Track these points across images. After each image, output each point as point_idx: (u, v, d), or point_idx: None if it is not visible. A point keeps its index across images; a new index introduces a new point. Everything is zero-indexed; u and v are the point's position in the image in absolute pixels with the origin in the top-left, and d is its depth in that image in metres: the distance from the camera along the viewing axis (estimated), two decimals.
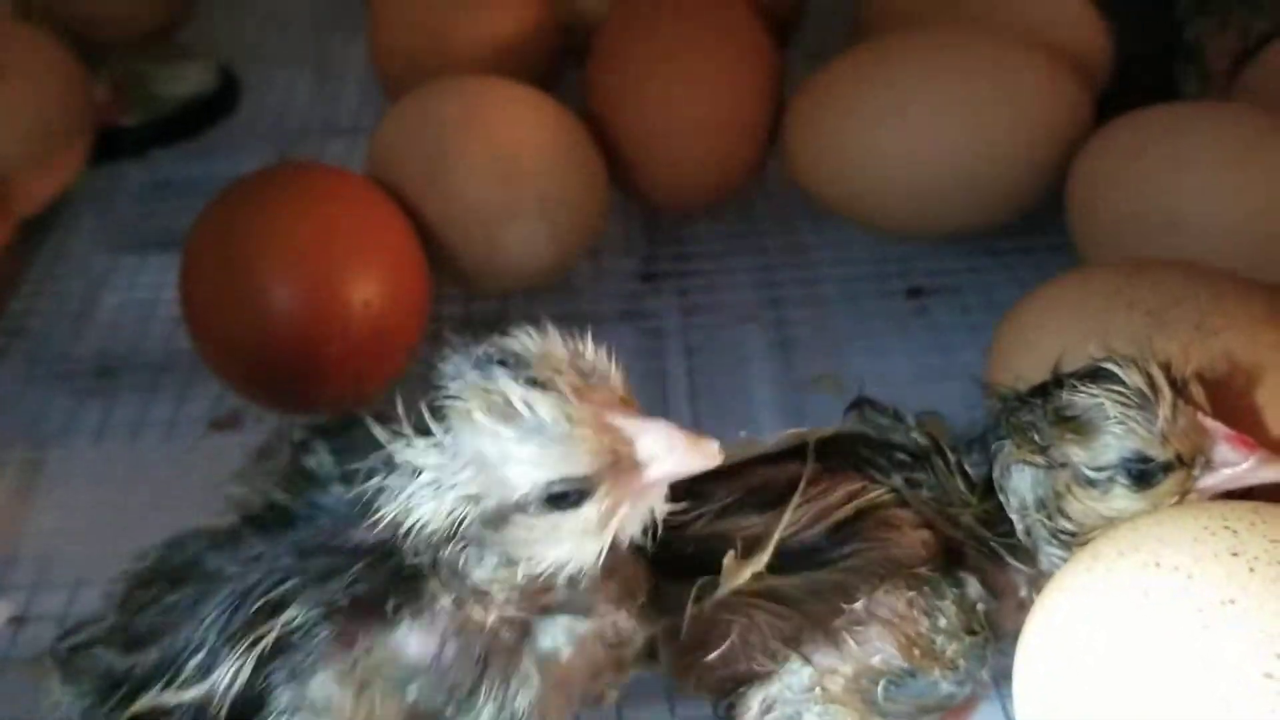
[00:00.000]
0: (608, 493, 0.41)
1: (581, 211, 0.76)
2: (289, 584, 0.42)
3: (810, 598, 0.49)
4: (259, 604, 0.42)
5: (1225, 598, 0.42)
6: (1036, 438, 0.50)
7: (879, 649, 0.49)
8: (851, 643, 0.49)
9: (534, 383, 0.39)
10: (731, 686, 0.51)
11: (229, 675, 0.41)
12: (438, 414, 0.40)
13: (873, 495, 0.50)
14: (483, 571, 0.42)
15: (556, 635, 0.44)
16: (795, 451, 0.52)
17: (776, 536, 0.47)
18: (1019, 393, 0.51)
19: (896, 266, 0.86)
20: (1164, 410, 0.48)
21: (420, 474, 0.40)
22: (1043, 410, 0.50)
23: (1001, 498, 0.51)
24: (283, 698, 0.41)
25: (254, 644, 0.41)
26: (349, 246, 0.66)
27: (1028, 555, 0.51)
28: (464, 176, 0.73)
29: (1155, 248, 0.68)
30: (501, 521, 0.41)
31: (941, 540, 0.51)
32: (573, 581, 0.42)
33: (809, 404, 0.75)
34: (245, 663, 0.41)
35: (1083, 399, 0.49)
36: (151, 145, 1.00)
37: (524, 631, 0.43)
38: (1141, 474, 0.48)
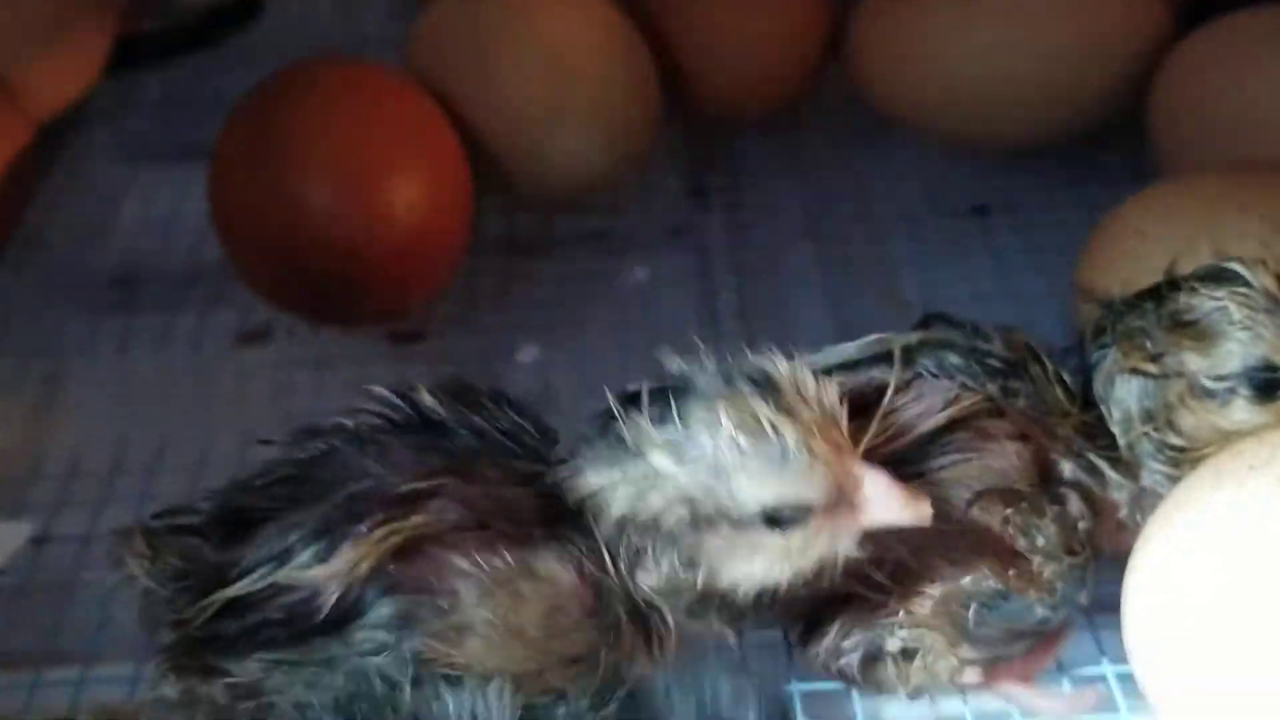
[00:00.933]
0: (818, 525, 0.41)
1: (631, 117, 0.72)
2: (432, 483, 0.40)
3: None
4: (398, 500, 0.40)
5: None
6: (1148, 344, 0.46)
7: (972, 569, 0.46)
8: (942, 562, 0.46)
9: (782, 408, 0.40)
10: (809, 609, 0.47)
11: (347, 565, 0.39)
12: (674, 408, 0.40)
13: (967, 404, 0.46)
14: (660, 567, 0.41)
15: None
16: (878, 359, 0.48)
17: (862, 448, 0.44)
18: (1127, 297, 0.48)
19: (955, 184, 0.82)
20: None
21: (642, 459, 0.40)
22: (1155, 315, 0.46)
23: (1103, 409, 0.47)
24: (383, 609, 0.39)
25: (385, 538, 0.39)
26: (389, 144, 0.63)
27: (1129, 471, 0.47)
28: (510, 78, 0.70)
29: (1247, 157, 0.64)
30: (708, 528, 0.41)
31: (1039, 454, 0.47)
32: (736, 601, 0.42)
33: (865, 324, 0.71)
34: (370, 557, 0.39)
35: (1203, 302, 0.45)
36: (171, 53, 0.96)
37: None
38: (1267, 384, 0.44)
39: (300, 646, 0.39)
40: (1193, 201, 0.55)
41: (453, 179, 0.65)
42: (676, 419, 0.40)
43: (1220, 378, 0.45)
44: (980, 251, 0.77)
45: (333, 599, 0.39)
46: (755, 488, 0.40)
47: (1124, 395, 0.47)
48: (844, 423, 0.41)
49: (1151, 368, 0.46)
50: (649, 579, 0.42)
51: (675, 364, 0.42)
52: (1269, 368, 0.44)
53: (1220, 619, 0.40)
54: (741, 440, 0.39)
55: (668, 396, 0.41)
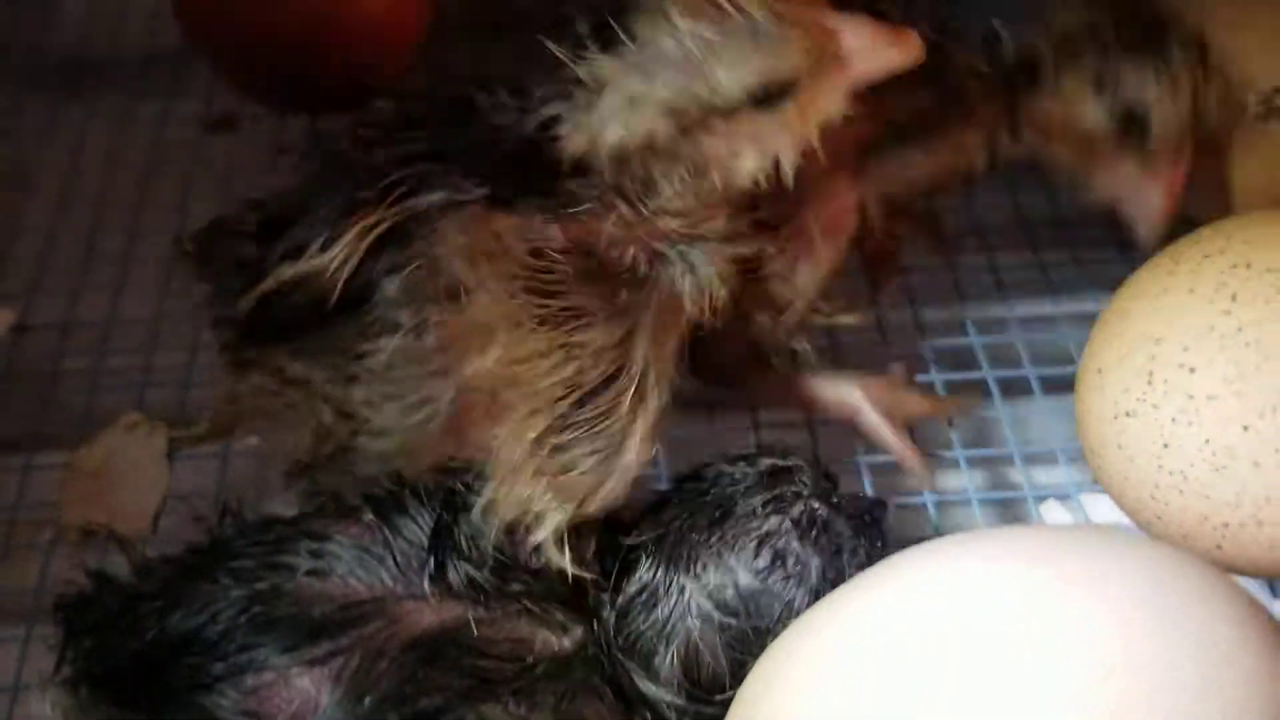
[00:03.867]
0: (808, 90, 0.39)
1: None
2: (422, 169, 0.40)
3: None
4: (387, 187, 0.40)
5: None
6: None
7: None
8: None
9: None
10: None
11: (342, 251, 0.39)
12: (620, 25, 0.38)
13: None
14: (673, 186, 0.40)
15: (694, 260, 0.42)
16: None
17: None
18: None
19: None
20: None
21: (607, 90, 0.38)
22: None
23: None
24: (389, 287, 0.40)
25: (380, 220, 0.39)
26: None
27: None
28: None
29: None
30: (701, 129, 0.39)
31: None
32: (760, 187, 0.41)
33: None
34: (360, 240, 0.39)
35: None
36: None
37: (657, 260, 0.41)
38: None
39: (322, 332, 0.41)
40: None
41: None
42: (627, 39, 0.38)
43: None
44: None
45: (342, 281, 0.39)
46: (735, 72, 0.38)
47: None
48: None
49: None
50: (669, 203, 0.40)
51: None
52: None
53: (1176, 389, 0.42)
54: (705, 31, 0.38)
55: (606, 21, 0.39)
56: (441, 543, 0.38)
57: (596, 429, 0.39)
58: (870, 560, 0.39)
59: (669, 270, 0.41)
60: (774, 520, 0.39)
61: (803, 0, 0.39)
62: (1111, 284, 0.47)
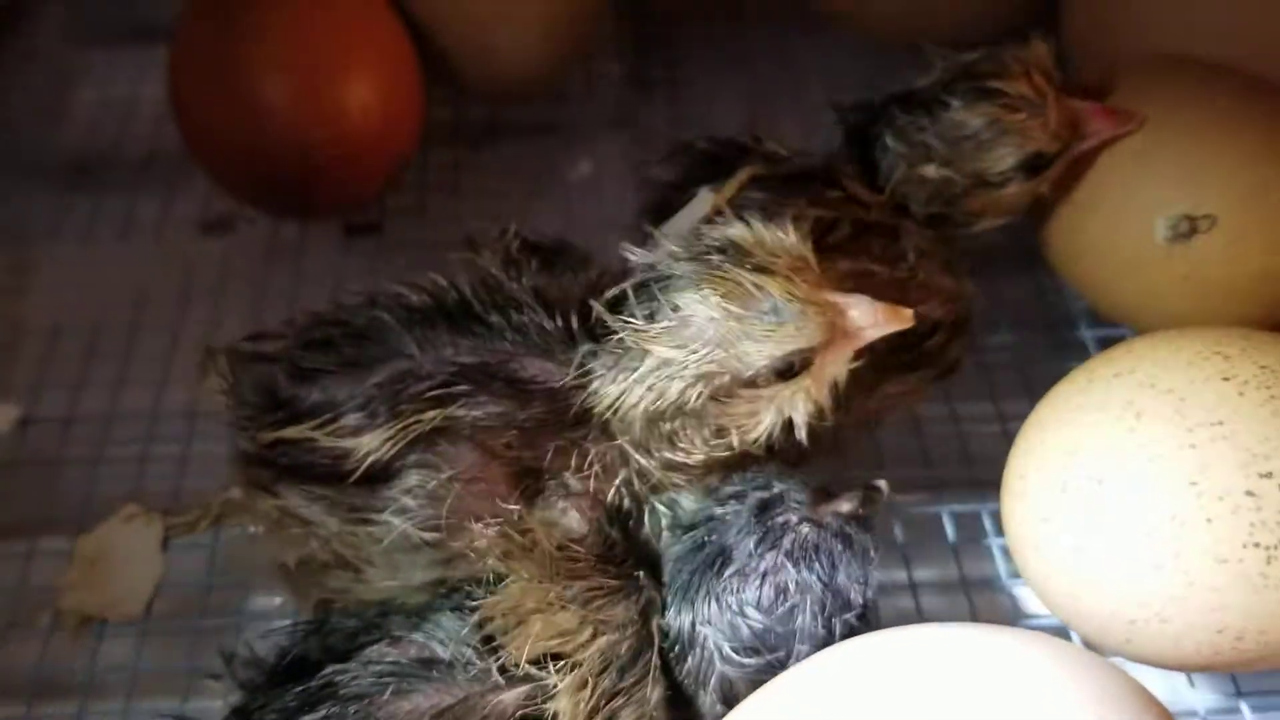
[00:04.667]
0: (821, 359, 0.45)
1: (575, 12, 0.75)
2: (460, 388, 0.45)
3: None
4: (429, 393, 0.45)
5: (1215, 419, 0.44)
6: (933, 154, 0.55)
7: None
8: None
9: (759, 269, 0.44)
10: None
11: (379, 442, 0.44)
12: (661, 300, 0.44)
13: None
14: (694, 444, 0.46)
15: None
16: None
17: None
18: (895, 95, 0.56)
19: (894, 77, 0.85)
20: (1052, 110, 0.54)
21: (648, 357, 0.44)
22: (934, 130, 0.54)
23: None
24: (412, 478, 0.44)
25: (411, 425, 0.44)
26: (344, 43, 0.64)
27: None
28: None
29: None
30: (728, 396, 0.45)
31: None
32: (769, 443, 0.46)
33: None
34: (398, 438, 0.44)
35: (973, 119, 0.54)
36: None
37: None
38: (1036, 167, 0.55)
39: (337, 489, 0.45)
40: None
41: (404, 76, 0.67)
42: (667, 308, 0.44)
43: (1000, 173, 0.55)
44: None
45: (364, 464, 0.44)
46: (761, 348, 0.44)
47: (913, 190, 0.55)
48: (811, 257, 0.45)
49: (940, 173, 0.55)
50: (689, 456, 0.46)
51: (638, 253, 0.46)
52: (1039, 156, 0.55)
53: (1088, 501, 0.46)
54: (734, 309, 0.43)
55: (650, 288, 0.44)
56: None
57: (635, 696, 0.43)
58: (864, 562, 0.44)
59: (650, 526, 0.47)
60: (770, 558, 0.44)
61: (814, 281, 0.44)
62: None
